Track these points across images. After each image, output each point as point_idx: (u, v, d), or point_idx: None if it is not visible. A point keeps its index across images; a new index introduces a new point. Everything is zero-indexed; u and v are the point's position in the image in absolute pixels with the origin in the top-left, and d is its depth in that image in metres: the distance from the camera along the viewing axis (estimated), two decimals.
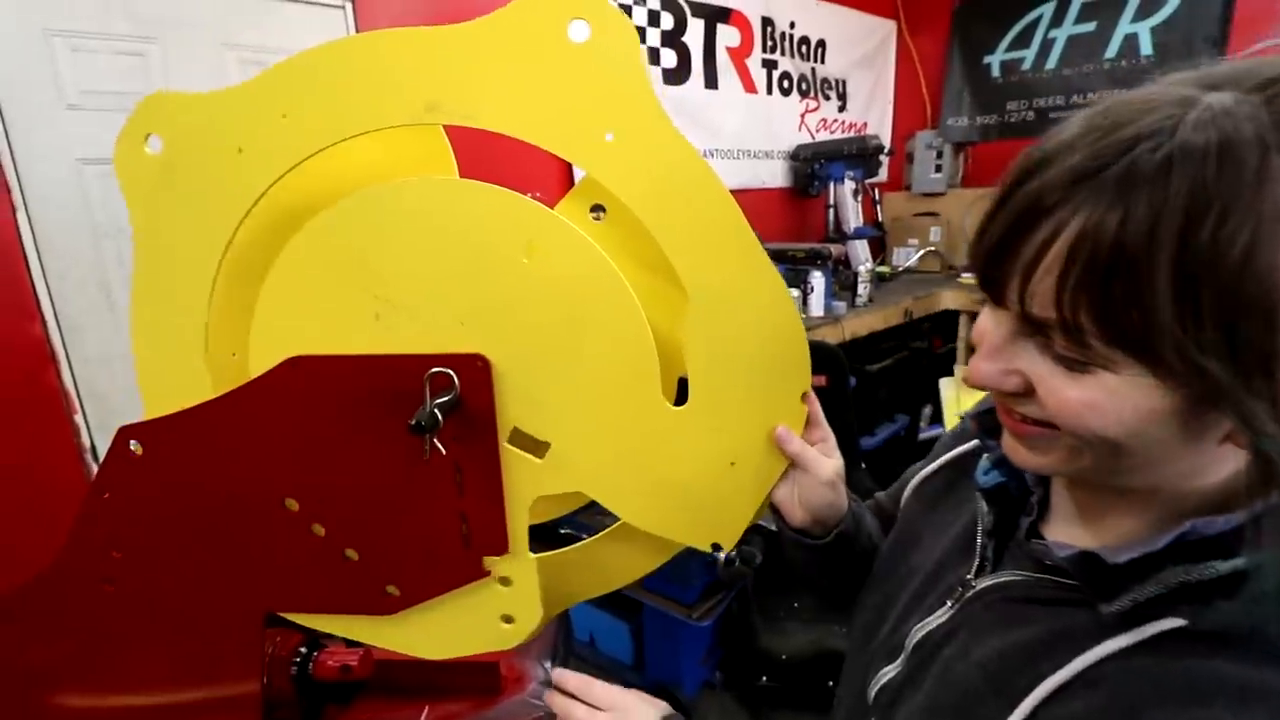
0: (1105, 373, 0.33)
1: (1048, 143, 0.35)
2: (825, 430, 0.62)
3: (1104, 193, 0.31)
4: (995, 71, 2.94)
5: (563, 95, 0.50)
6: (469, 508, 0.58)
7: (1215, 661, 0.34)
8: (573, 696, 0.61)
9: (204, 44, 1.50)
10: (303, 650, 0.71)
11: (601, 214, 0.59)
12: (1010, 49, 2.88)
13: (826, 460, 0.60)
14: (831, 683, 0.69)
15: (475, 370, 0.54)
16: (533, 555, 0.60)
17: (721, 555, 0.66)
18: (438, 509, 0.58)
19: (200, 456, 0.58)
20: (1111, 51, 2.62)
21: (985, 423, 0.49)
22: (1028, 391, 0.37)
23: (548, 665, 0.89)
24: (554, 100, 0.50)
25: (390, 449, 0.56)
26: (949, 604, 0.50)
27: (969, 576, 0.49)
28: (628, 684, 0.64)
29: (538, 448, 0.57)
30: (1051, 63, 2.78)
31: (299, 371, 0.55)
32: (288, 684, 0.70)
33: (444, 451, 0.52)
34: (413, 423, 0.49)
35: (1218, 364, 0.30)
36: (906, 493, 0.65)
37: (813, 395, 0.60)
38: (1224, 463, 0.36)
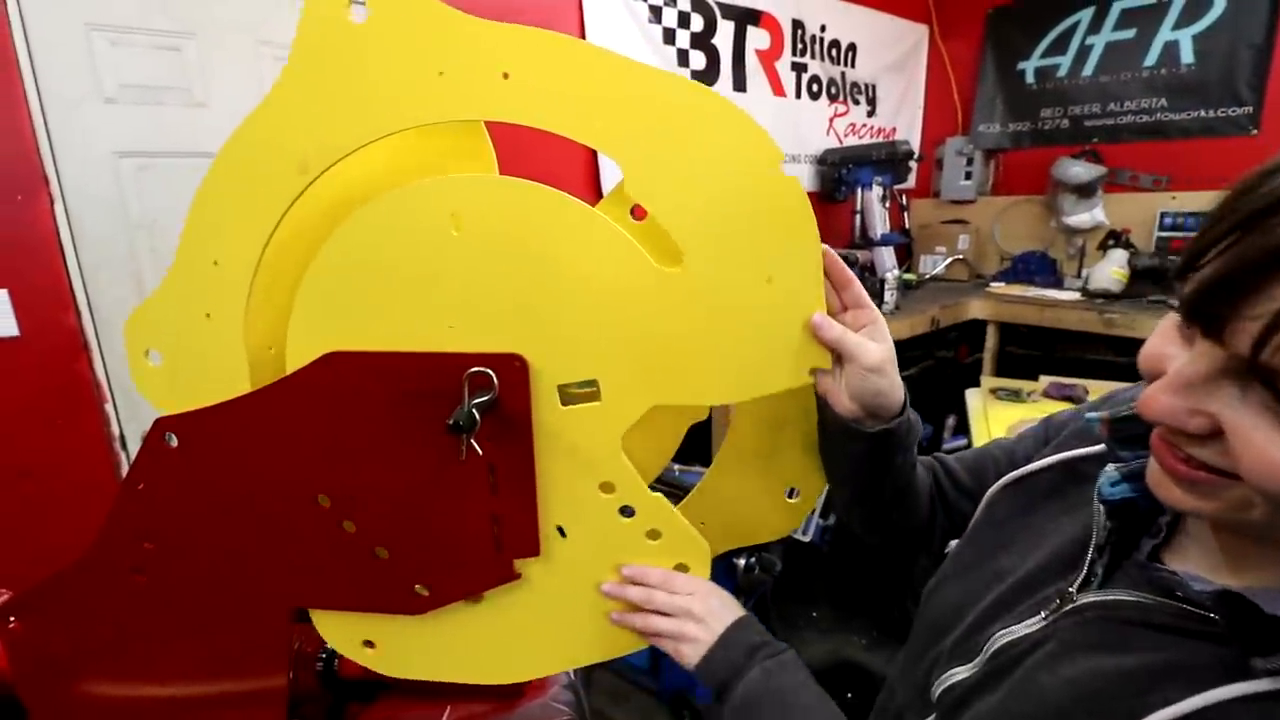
0: None
1: None
2: (872, 312, 0.57)
3: None
4: (1029, 78, 2.89)
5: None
6: (501, 509, 0.57)
7: None
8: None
9: (240, 41, 1.52)
10: (329, 647, 0.71)
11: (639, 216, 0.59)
12: (1045, 55, 2.82)
13: (872, 345, 0.55)
14: (850, 694, 0.69)
15: (513, 370, 0.53)
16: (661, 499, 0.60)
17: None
18: (470, 510, 0.57)
19: (234, 450, 0.58)
20: (1151, 59, 2.56)
21: (1119, 431, 0.46)
22: (1211, 435, 0.34)
23: (571, 671, 0.88)
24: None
25: (424, 448, 0.56)
26: (1043, 615, 0.47)
27: (1071, 589, 0.46)
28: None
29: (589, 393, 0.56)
30: (1088, 70, 2.72)
31: (335, 367, 0.54)
32: (313, 680, 0.70)
33: (480, 452, 0.51)
34: (451, 422, 0.48)
35: None
36: (997, 486, 0.59)
37: (841, 264, 0.55)
38: None
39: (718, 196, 0.51)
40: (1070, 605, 0.45)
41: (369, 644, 0.64)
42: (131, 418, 1.52)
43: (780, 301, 0.53)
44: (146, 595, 0.63)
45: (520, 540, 0.58)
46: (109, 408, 1.50)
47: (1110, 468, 0.48)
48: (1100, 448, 0.51)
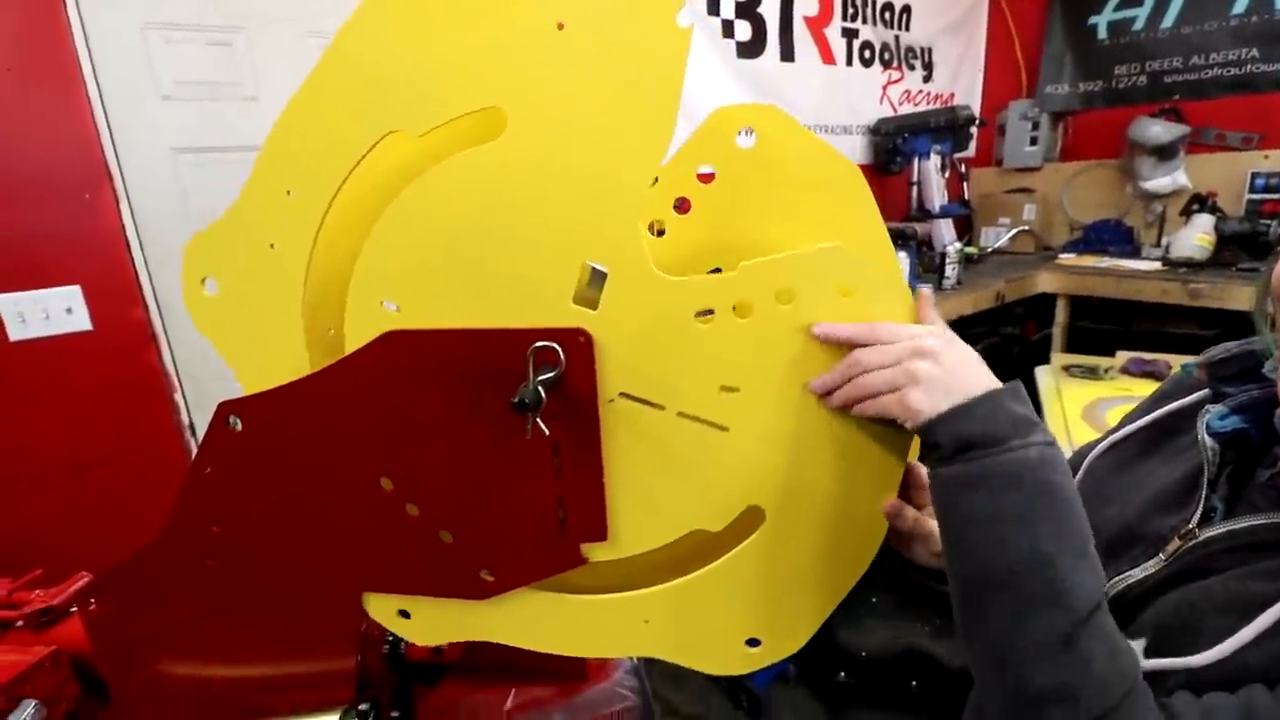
0: None
1: None
2: None
3: None
4: (1102, 33, 2.69)
5: None
6: (567, 491, 0.55)
7: None
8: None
9: (288, 32, 1.52)
10: None
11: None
12: (1119, 8, 2.62)
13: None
14: (914, 682, 0.66)
15: (577, 346, 0.50)
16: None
17: None
18: (534, 492, 0.55)
19: (296, 432, 0.57)
20: (1240, 6, 2.34)
21: (1218, 371, 0.48)
22: None
23: (633, 655, 0.87)
24: None
25: (487, 428, 0.53)
26: (1161, 556, 0.47)
27: (1191, 526, 0.46)
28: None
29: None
30: (1168, 21, 2.51)
31: (394, 345, 0.52)
32: (380, 662, 0.69)
33: (546, 431, 0.49)
34: (515, 400, 0.46)
35: None
36: (1092, 455, 0.60)
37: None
38: None
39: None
40: (1194, 541, 0.45)
41: (404, 614, 0.63)
42: (199, 405, 1.57)
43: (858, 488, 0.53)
44: (216, 578, 0.64)
45: (587, 524, 0.56)
46: (178, 397, 1.55)
47: (1217, 406, 0.48)
48: (1190, 400, 0.52)
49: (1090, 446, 0.63)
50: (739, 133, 0.55)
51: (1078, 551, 0.40)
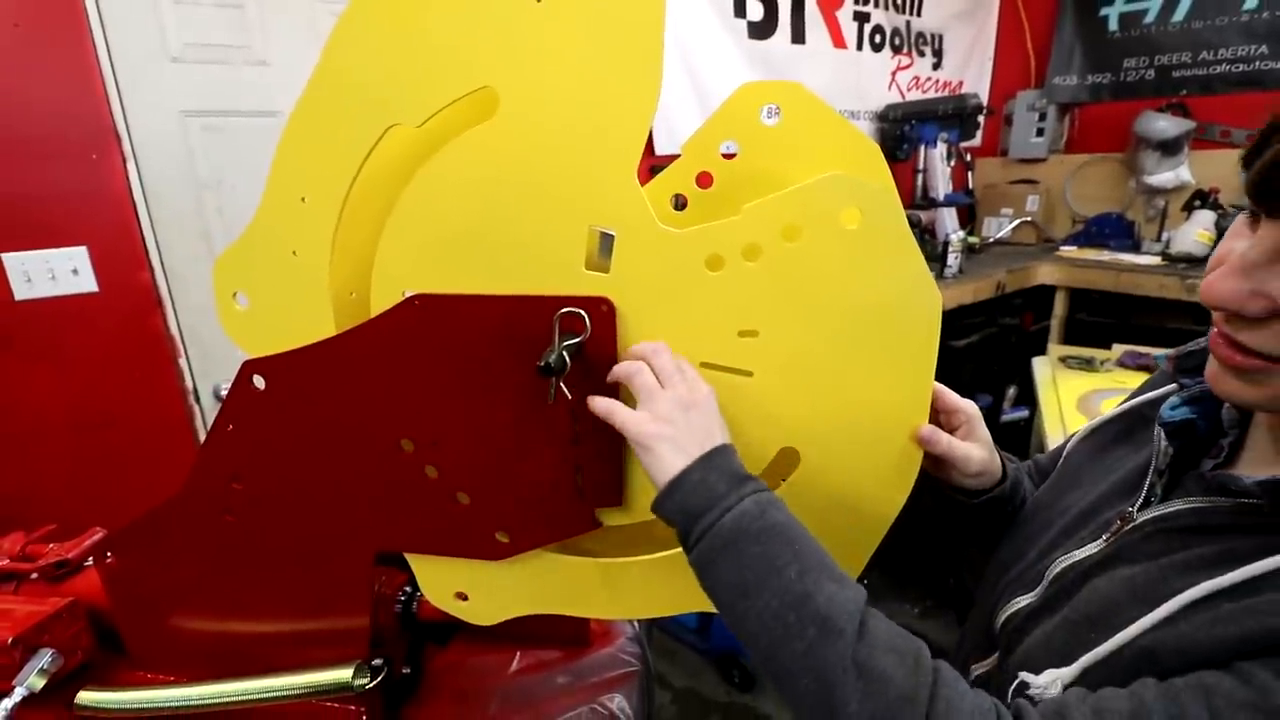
0: None
1: None
2: (967, 413, 0.59)
3: None
4: (1113, 25, 2.68)
5: None
6: (584, 457, 0.56)
7: None
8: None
9: None
10: (408, 589, 0.72)
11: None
12: (1131, 0, 2.61)
13: (975, 453, 0.58)
14: None
15: (599, 314, 0.51)
16: None
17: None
18: (552, 457, 0.57)
19: (319, 393, 0.59)
20: (1251, 2, 2.34)
21: (1183, 364, 0.50)
22: (1267, 318, 0.36)
23: (635, 623, 0.89)
24: None
25: (508, 392, 0.55)
26: (1104, 537, 0.49)
27: (1131, 510, 0.48)
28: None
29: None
30: (1179, 15, 2.51)
31: (420, 310, 0.54)
32: (393, 620, 0.71)
33: (569, 396, 0.50)
34: (541, 364, 0.47)
35: None
36: (1074, 440, 0.62)
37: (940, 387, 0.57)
38: None
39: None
40: (1130, 524, 0.47)
41: (461, 596, 0.65)
42: (204, 372, 1.57)
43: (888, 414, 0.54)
44: (235, 534, 0.65)
45: (603, 489, 0.57)
46: (182, 362, 1.55)
47: (1174, 398, 0.50)
48: (1163, 391, 0.54)
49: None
50: (763, 110, 0.55)
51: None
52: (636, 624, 0.88)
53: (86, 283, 1.39)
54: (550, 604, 0.64)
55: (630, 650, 0.84)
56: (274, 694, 0.65)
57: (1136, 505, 0.48)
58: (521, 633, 0.79)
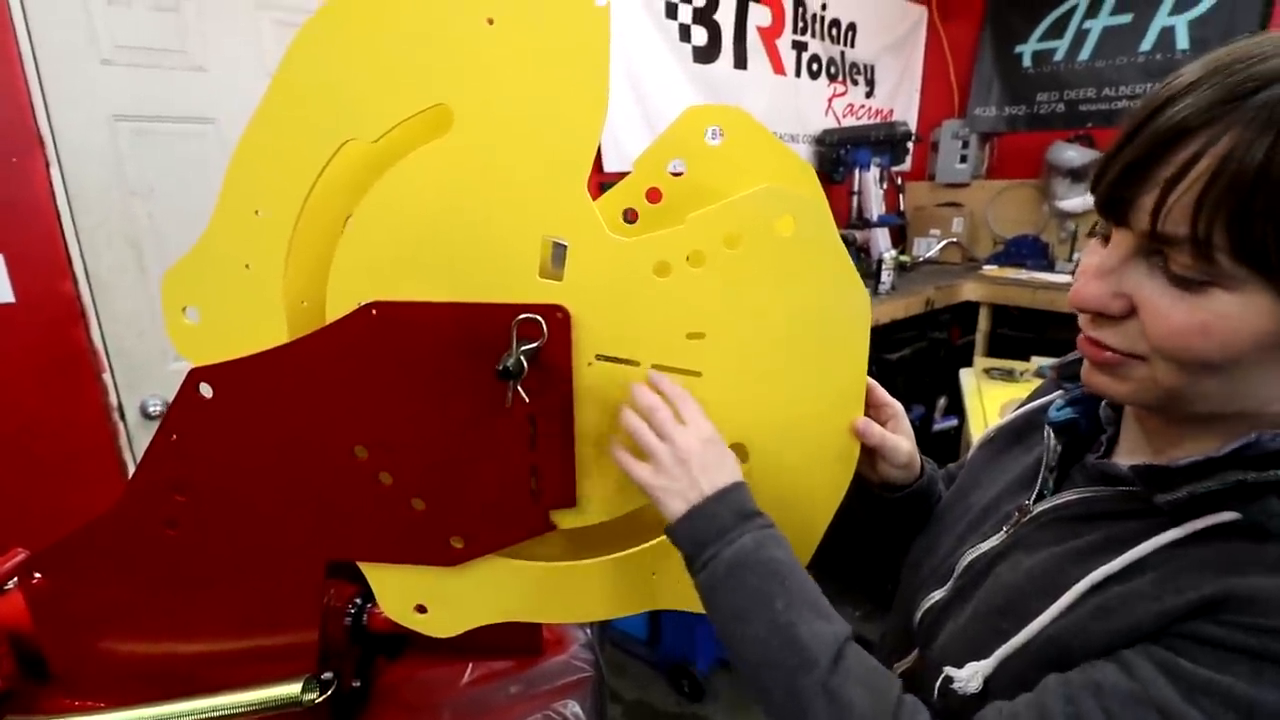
0: (1220, 291, 0.36)
1: (1175, 80, 0.37)
2: (893, 405, 0.63)
3: (1257, 117, 0.33)
4: (1026, 62, 2.90)
5: None
6: (540, 460, 0.58)
7: (1257, 546, 0.37)
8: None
9: (238, 3, 1.47)
10: (358, 601, 0.72)
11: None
12: (1043, 39, 2.83)
13: (904, 444, 0.62)
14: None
15: (555, 320, 0.53)
16: None
17: None
18: (508, 461, 0.58)
19: (270, 401, 0.58)
20: (1147, 44, 2.58)
21: (1066, 371, 0.55)
22: (1127, 315, 0.40)
23: (588, 630, 0.90)
24: None
25: (465, 398, 0.56)
26: (1005, 529, 0.53)
27: (1027, 502, 0.53)
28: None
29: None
30: (1085, 54, 2.74)
31: (378, 316, 0.54)
32: (342, 633, 0.70)
33: (526, 399, 0.52)
34: (500, 368, 0.49)
35: None
36: (975, 445, 0.67)
37: (872, 382, 0.61)
38: None
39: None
40: (1028, 515, 0.51)
41: (420, 608, 0.65)
42: (129, 386, 1.50)
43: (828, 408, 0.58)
44: (177, 548, 0.63)
45: (556, 491, 0.59)
46: (106, 377, 1.47)
47: (1059, 400, 0.55)
48: (1050, 397, 0.59)
49: None
50: (707, 131, 0.59)
51: (811, 609, 0.47)
52: (589, 630, 0.89)
53: (2, 293, 1.31)
54: (510, 611, 0.65)
55: (583, 656, 0.85)
56: (219, 713, 0.63)
57: (1032, 498, 0.53)
58: (473, 643, 0.79)
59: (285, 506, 0.62)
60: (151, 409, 1.51)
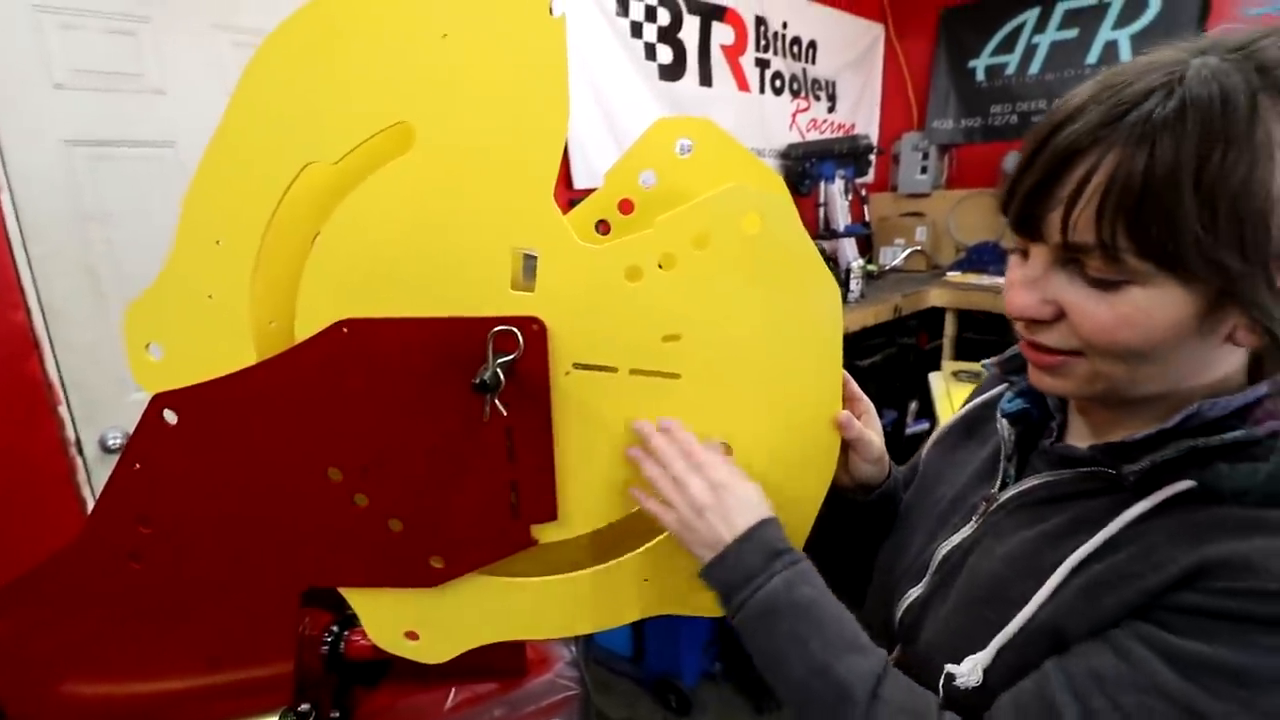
0: (1135, 288, 0.39)
1: (1066, 103, 0.41)
2: (865, 402, 0.63)
3: (1131, 134, 0.37)
4: (980, 76, 3.00)
5: None
6: (520, 474, 0.57)
7: (1217, 510, 0.40)
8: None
9: (197, 25, 1.46)
10: (334, 629, 0.70)
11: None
12: (995, 54, 2.94)
13: (876, 438, 0.63)
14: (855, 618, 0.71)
15: (531, 332, 0.53)
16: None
17: None
18: (488, 476, 0.57)
19: (239, 425, 0.57)
20: (1092, 58, 2.69)
21: (1008, 366, 0.57)
22: (1058, 318, 0.43)
23: (572, 648, 0.89)
24: None
25: (441, 415, 0.55)
26: (974, 520, 0.55)
27: (993, 492, 0.55)
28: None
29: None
30: (1034, 68, 2.85)
31: (349, 334, 0.53)
32: (319, 663, 0.68)
33: (504, 413, 0.51)
34: (476, 381, 0.48)
35: (1232, 259, 0.36)
36: (927, 446, 0.69)
37: (847, 376, 0.62)
38: (1221, 362, 0.42)
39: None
40: (995, 504, 0.53)
41: (412, 635, 0.63)
42: (88, 419, 1.44)
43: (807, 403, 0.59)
44: (143, 582, 0.61)
45: (538, 505, 0.58)
46: (63, 410, 1.42)
47: (1009, 392, 0.58)
48: (995, 392, 0.62)
49: None
50: (677, 142, 0.60)
51: (846, 645, 0.49)
52: (573, 648, 0.88)
53: None
54: (505, 631, 0.64)
55: (568, 675, 0.83)
56: None
57: (997, 487, 0.55)
58: (455, 668, 0.77)
59: (256, 534, 0.60)
60: (111, 442, 1.46)
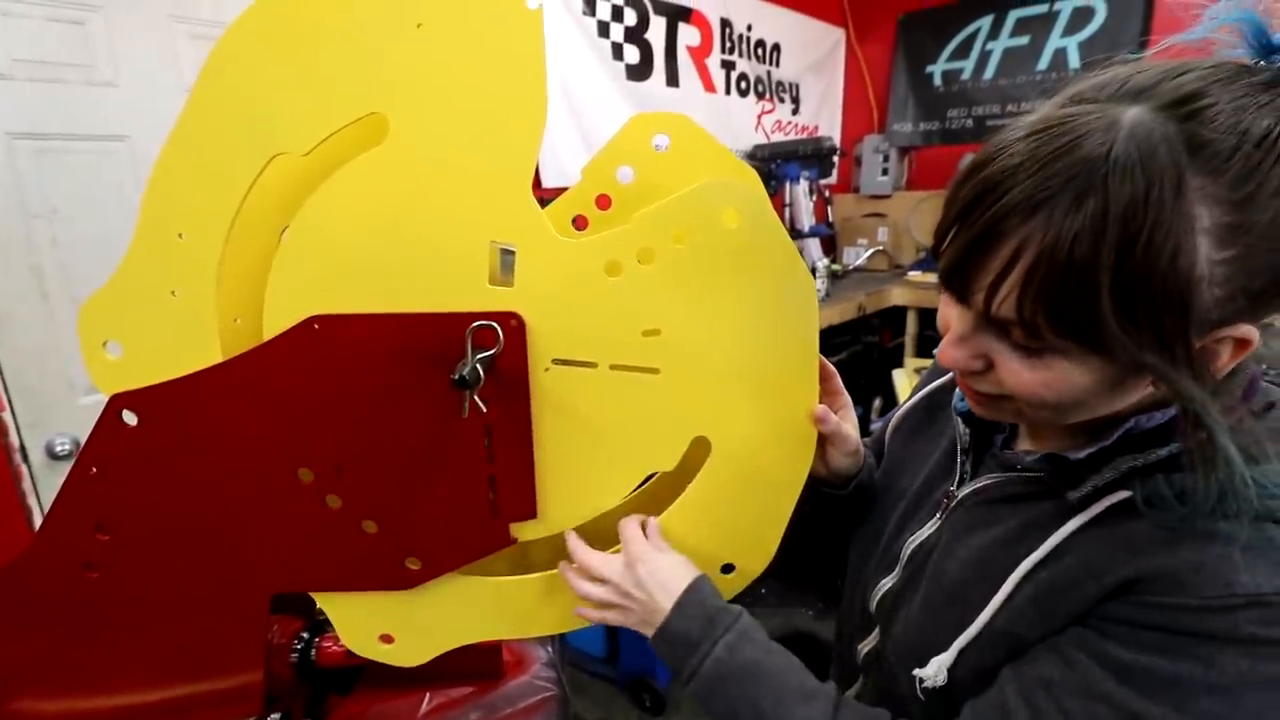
0: (1055, 356, 0.40)
1: (998, 159, 0.40)
2: (844, 396, 0.64)
3: (1053, 219, 0.37)
4: (937, 81, 3.09)
5: None
6: (499, 472, 0.56)
7: (1149, 521, 0.42)
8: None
9: (151, 15, 1.40)
10: (304, 635, 0.68)
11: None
12: (951, 59, 3.03)
13: (853, 432, 0.64)
14: (803, 662, 0.73)
15: (510, 328, 0.53)
16: None
17: None
18: (465, 475, 0.56)
19: (203, 426, 0.55)
20: (1043, 64, 2.80)
21: None
22: (988, 369, 0.45)
23: (549, 648, 0.88)
24: None
25: (416, 412, 0.54)
26: (938, 516, 0.57)
27: (952, 488, 0.57)
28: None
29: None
30: (989, 74, 2.94)
31: (321, 331, 0.52)
32: (289, 671, 0.66)
33: (484, 409, 0.51)
34: (455, 377, 0.48)
35: (1149, 345, 0.37)
36: (889, 432, 0.71)
37: (826, 363, 0.63)
38: (1139, 393, 0.43)
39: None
40: (954, 501, 0.56)
41: (386, 639, 0.62)
42: (33, 424, 1.38)
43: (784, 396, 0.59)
44: (100, 592, 0.58)
45: (517, 503, 0.58)
46: (6, 415, 1.35)
47: (959, 390, 0.59)
48: (948, 377, 0.64)
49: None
50: (654, 138, 0.60)
51: (796, 696, 0.51)
52: (550, 648, 0.87)
53: None
54: (482, 631, 0.63)
55: (545, 675, 0.83)
56: None
57: (955, 484, 0.57)
58: (430, 672, 0.76)
59: (222, 539, 0.58)
60: (59, 448, 1.40)
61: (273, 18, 0.48)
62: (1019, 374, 0.42)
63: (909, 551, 0.58)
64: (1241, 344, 0.39)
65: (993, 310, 0.40)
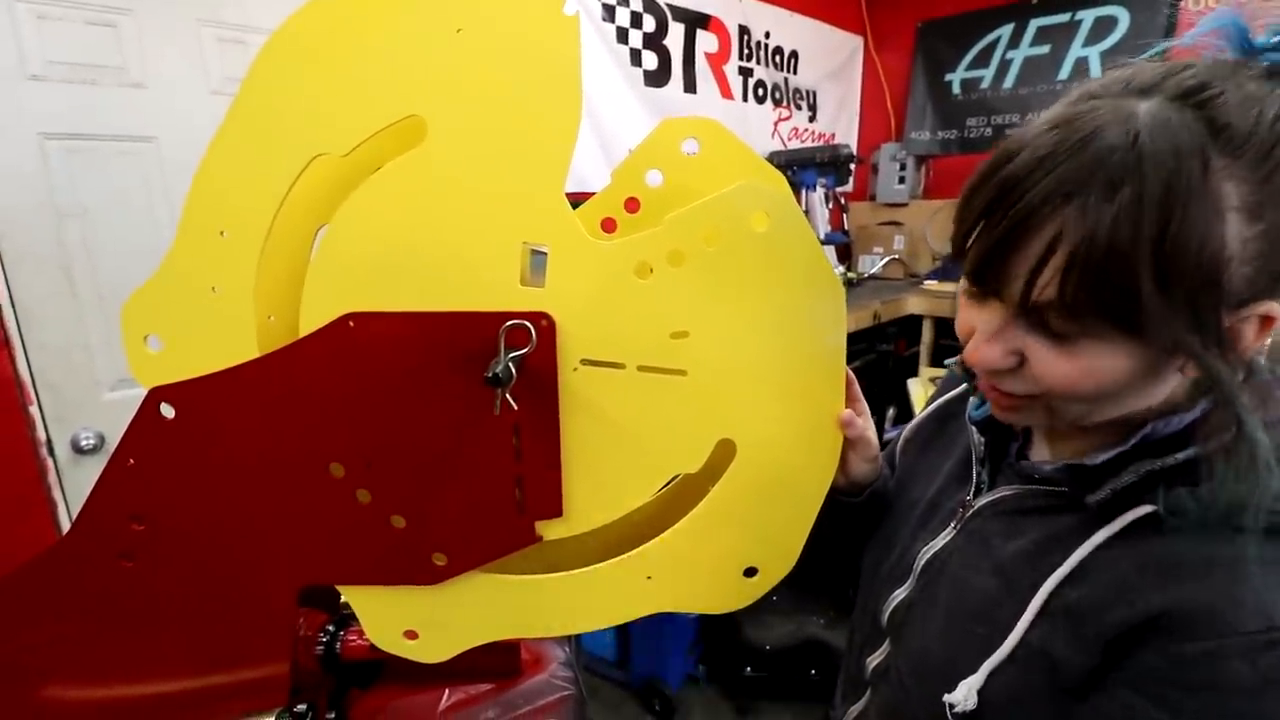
0: (1092, 341, 0.41)
1: (1020, 151, 0.41)
2: (864, 403, 0.65)
3: (1089, 206, 0.37)
4: (956, 89, 3.08)
5: None
6: (526, 470, 0.57)
7: (1178, 539, 0.41)
8: None
9: (180, 18, 1.44)
10: (330, 629, 0.69)
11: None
12: (970, 68, 3.02)
13: (874, 438, 0.64)
14: (814, 671, 0.72)
15: (541, 328, 0.53)
16: None
17: None
18: (493, 472, 0.57)
19: (239, 420, 0.56)
20: (1064, 73, 2.79)
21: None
22: (1020, 366, 0.45)
23: (567, 648, 0.88)
24: None
25: (448, 409, 0.55)
26: (952, 525, 0.56)
27: (968, 498, 0.56)
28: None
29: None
30: (1008, 83, 2.93)
31: (356, 328, 0.53)
32: (315, 664, 0.67)
33: (515, 407, 0.51)
34: (489, 375, 0.48)
35: (1184, 325, 0.38)
36: (899, 445, 0.71)
37: (850, 373, 0.62)
38: (1170, 383, 0.43)
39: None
40: (971, 511, 0.55)
41: (411, 635, 0.63)
42: (60, 419, 1.41)
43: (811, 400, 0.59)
44: (135, 582, 0.59)
45: (543, 501, 0.58)
46: (33, 410, 1.38)
47: (974, 396, 0.59)
48: (959, 390, 0.64)
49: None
50: (684, 141, 0.61)
51: None
52: (567, 648, 0.88)
53: None
54: (504, 628, 0.64)
55: (562, 675, 0.83)
56: None
57: (971, 494, 0.56)
58: (450, 668, 0.77)
59: (255, 532, 0.59)
60: (84, 443, 1.42)
61: (317, 23, 0.49)
62: (1054, 365, 0.42)
63: (923, 562, 0.57)
64: (1267, 321, 0.39)
65: (1034, 296, 0.40)
